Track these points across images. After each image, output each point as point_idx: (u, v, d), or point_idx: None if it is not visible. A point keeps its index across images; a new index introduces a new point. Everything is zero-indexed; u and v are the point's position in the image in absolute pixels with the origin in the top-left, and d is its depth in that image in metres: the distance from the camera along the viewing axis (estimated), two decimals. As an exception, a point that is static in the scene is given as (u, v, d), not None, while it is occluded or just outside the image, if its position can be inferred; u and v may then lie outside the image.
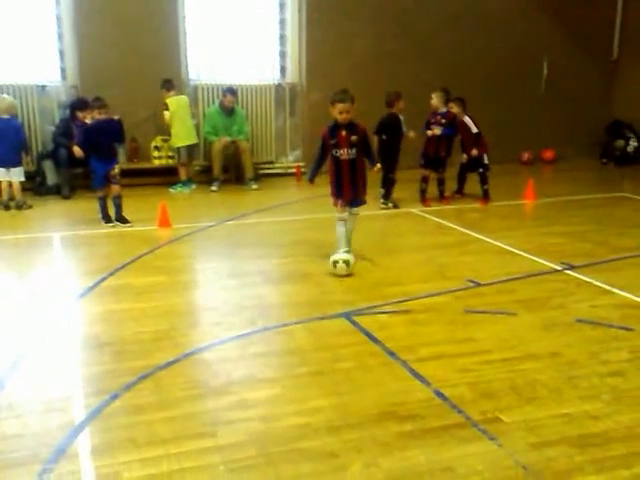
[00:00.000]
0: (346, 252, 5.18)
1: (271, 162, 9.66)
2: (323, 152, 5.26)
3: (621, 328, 4.05)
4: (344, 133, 5.10)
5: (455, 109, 7.62)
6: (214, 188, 8.58)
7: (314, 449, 2.80)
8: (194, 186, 8.72)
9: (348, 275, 5.04)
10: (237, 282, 4.99)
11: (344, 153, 5.15)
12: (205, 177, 8.94)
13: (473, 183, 7.94)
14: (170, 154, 8.87)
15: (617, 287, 4.78)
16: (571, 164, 10.75)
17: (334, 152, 5.16)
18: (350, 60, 9.56)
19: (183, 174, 8.65)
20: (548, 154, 10.98)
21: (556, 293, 4.71)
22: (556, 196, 8.19)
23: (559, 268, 5.27)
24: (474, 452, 2.76)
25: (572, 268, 5.26)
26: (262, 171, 9.45)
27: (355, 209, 5.34)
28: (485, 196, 7.75)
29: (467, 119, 7.69)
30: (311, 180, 5.41)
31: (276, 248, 5.99)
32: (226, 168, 8.95)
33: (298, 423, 3.00)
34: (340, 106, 5.05)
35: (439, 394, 3.23)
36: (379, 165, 5.43)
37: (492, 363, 3.59)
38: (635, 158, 10.74)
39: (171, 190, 8.54)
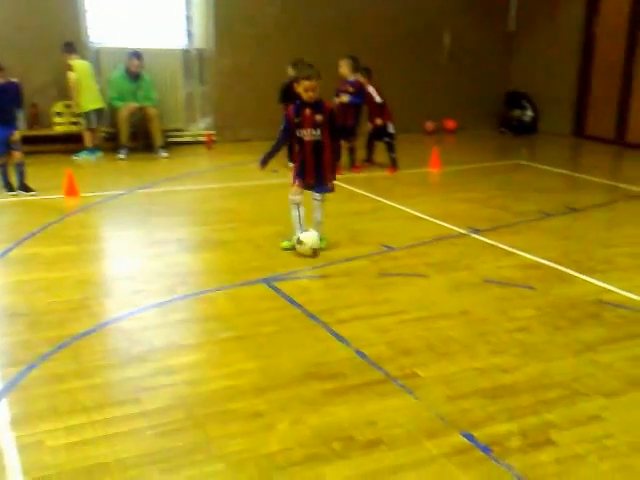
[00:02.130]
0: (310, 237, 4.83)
1: (180, 130, 9.46)
2: (285, 133, 4.85)
3: (525, 287, 4.31)
4: (308, 112, 4.73)
5: (361, 79, 7.73)
6: (122, 156, 8.34)
7: (241, 410, 2.85)
8: (100, 154, 8.44)
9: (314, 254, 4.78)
10: (153, 250, 4.93)
11: (307, 134, 4.76)
12: (112, 144, 8.65)
13: (382, 152, 8.11)
14: (73, 120, 8.52)
15: (519, 249, 5.06)
16: (472, 133, 11.14)
17: (297, 132, 4.78)
18: (260, 26, 9.48)
19: (89, 141, 8.33)
20: (450, 124, 11.31)
21: (464, 255, 4.93)
22: (459, 164, 8.49)
23: (465, 232, 5.51)
24: (394, 406, 2.90)
25: (477, 232, 5.51)
26: (171, 139, 9.23)
27: (319, 195, 4.91)
28: (393, 164, 7.94)
29: (371, 89, 7.81)
30: (263, 163, 4.96)
31: (191, 216, 5.94)
32: (134, 135, 8.71)
33: (224, 386, 3.04)
34: (306, 83, 4.65)
35: (359, 353, 3.36)
36: (340, 163, 5.18)
37: (408, 322, 3.75)
38: (531, 127, 11.26)
39: (75, 158, 8.22)
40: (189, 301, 4.03)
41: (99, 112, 8.46)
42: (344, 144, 7.73)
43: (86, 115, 8.31)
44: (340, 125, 7.57)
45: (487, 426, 2.76)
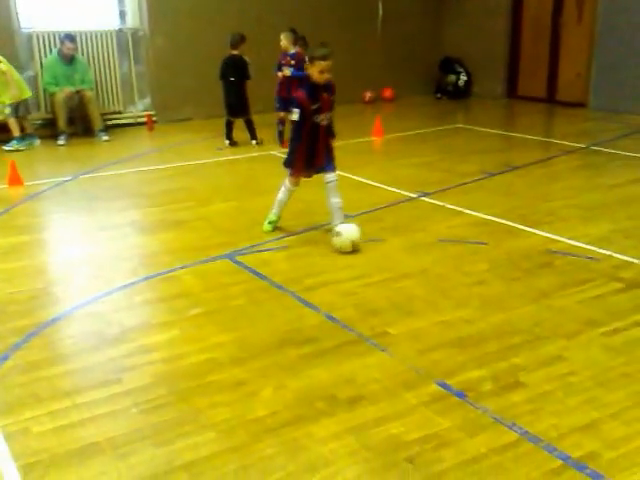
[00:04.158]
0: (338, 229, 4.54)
1: (119, 112, 9.27)
2: (304, 122, 4.40)
3: (477, 243, 4.49)
4: (326, 95, 4.42)
5: (298, 50, 7.75)
6: (61, 142, 8.12)
7: (223, 381, 2.92)
8: (38, 141, 8.19)
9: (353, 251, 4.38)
10: (109, 234, 4.89)
11: (325, 118, 4.46)
12: (50, 131, 8.41)
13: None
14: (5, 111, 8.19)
15: (467, 208, 5.25)
16: (409, 101, 11.30)
17: (314, 118, 4.41)
18: (194, 3, 9.32)
19: (17, 129, 7.90)
20: (388, 93, 11.43)
21: (416, 218, 5.08)
22: (401, 131, 8.63)
23: (415, 196, 5.66)
24: (370, 363, 3.03)
25: (426, 195, 5.67)
26: (111, 122, 9.04)
27: (332, 176, 4.58)
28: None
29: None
30: (292, 166, 4.59)
31: (142, 198, 5.89)
32: (72, 120, 8.49)
33: (202, 359, 3.10)
34: (323, 64, 4.30)
35: (330, 317, 3.46)
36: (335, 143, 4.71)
37: (372, 285, 3.87)
38: (465, 91, 11.50)
39: (6, 148, 7.80)
40: (153, 281, 4.04)
41: (26, 100, 8.17)
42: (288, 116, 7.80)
43: (17, 105, 7.99)
44: (286, 98, 7.66)
45: (459, 374, 2.91)
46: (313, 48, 4.43)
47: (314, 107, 4.39)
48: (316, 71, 4.34)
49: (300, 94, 4.41)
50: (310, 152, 4.51)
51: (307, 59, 4.41)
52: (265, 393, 2.82)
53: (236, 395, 2.81)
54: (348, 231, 4.38)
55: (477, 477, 2.28)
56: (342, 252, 4.35)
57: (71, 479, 2.34)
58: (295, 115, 4.41)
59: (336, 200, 4.62)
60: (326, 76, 4.35)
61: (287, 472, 2.34)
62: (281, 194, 4.74)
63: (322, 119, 4.45)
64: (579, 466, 2.31)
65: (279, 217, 4.84)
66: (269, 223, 4.80)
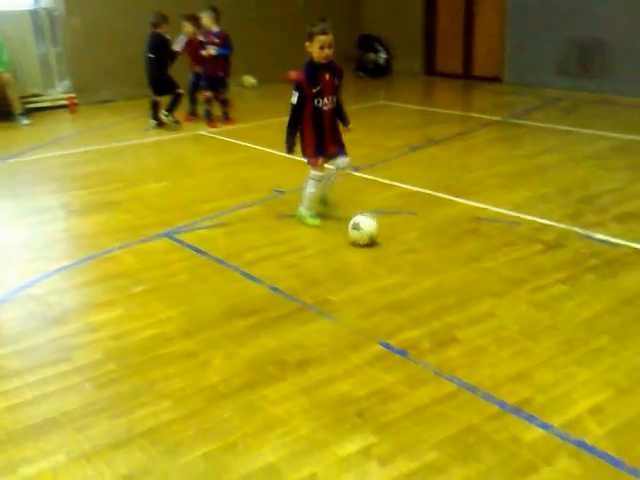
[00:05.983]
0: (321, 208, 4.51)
1: (39, 95, 8.99)
2: (301, 106, 4.15)
3: (408, 213, 4.69)
4: (328, 77, 4.12)
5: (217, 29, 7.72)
6: (-21, 127, 7.88)
7: (174, 353, 3.00)
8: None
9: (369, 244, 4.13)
10: (40, 218, 4.83)
11: (328, 102, 4.16)
12: (-36, 116, 8.13)
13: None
14: None
15: (396, 181, 5.44)
16: (332, 79, 11.41)
17: (315, 102, 4.13)
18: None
19: None
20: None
21: (351, 192, 5.20)
22: (326, 109, 8.74)
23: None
24: (316, 329, 3.17)
25: (357, 169, 5.81)
26: (30, 105, 8.75)
27: (345, 161, 4.42)
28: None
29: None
30: (292, 150, 4.31)
31: (70, 181, 5.80)
32: (-12, 104, 8.22)
33: (151, 334, 3.16)
34: (322, 39, 4.00)
35: (273, 289, 3.58)
36: (351, 126, 4.48)
37: (311, 256, 4.01)
38: (386, 69, 11.73)
39: None
40: (92, 262, 4.04)
41: None
42: (214, 96, 7.78)
43: None
44: (211, 77, 7.65)
45: (399, 334, 3.09)
46: (310, 23, 4.09)
47: (315, 90, 4.12)
48: (316, 47, 4.05)
49: (299, 76, 4.13)
50: (319, 139, 4.29)
51: (307, 36, 4.08)
52: (216, 362, 2.92)
53: (188, 365, 2.90)
54: (367, 225, 4.10)
55: (423, 425, 2.46)
56: (355, 245, 4.11)
57: (31, 453, 2.38)
58: (294, 98, 4.16)
59: (333, 182, 4.53)
60: (326, 52, 4.06)
61: (245, 432, 2.45)
62: (310, 188, 4.42)
63: (325, 104, 4.18)
64: (515, 410, 2.52)
65: (325, 204, 4.62)
66: (312, 217, 4.48)
